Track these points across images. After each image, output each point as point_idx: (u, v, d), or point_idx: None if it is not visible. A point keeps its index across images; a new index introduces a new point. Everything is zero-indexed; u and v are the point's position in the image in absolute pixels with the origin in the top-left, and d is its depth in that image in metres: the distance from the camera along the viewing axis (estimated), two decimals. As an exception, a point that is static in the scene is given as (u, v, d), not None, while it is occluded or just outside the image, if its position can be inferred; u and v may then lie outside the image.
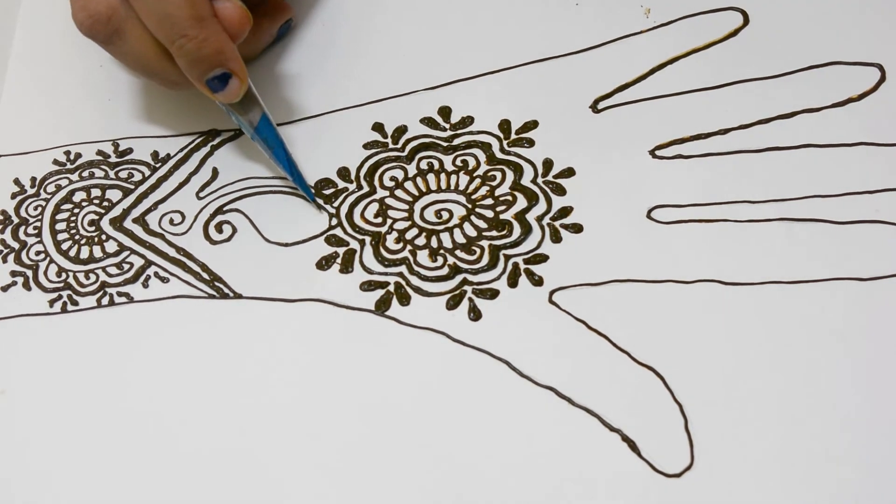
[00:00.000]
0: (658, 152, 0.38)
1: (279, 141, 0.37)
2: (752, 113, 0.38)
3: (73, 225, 0.38)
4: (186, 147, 0.40)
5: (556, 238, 0.36)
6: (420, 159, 0.38)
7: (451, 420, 0.32)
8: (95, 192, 0.39)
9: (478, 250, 0.36)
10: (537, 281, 0.35)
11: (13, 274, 0.37)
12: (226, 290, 0.36)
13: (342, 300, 0.35)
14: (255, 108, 0.37)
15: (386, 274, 0.36)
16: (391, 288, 0.35)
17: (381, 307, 0.35)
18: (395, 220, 0.37)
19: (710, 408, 0.31)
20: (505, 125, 0.39)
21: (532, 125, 0.39)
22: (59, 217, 0.39)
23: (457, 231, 0.36)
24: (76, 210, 0.39)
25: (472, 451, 0.31)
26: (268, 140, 0.37)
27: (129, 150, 0.40)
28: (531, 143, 0.38)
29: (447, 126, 0.39)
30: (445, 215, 0.37)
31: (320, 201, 0.37)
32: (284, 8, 0.42)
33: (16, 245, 0.38)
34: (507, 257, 0.36)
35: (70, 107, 0.42)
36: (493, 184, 0.37)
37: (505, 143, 0.38)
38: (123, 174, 0.39)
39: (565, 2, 0.42)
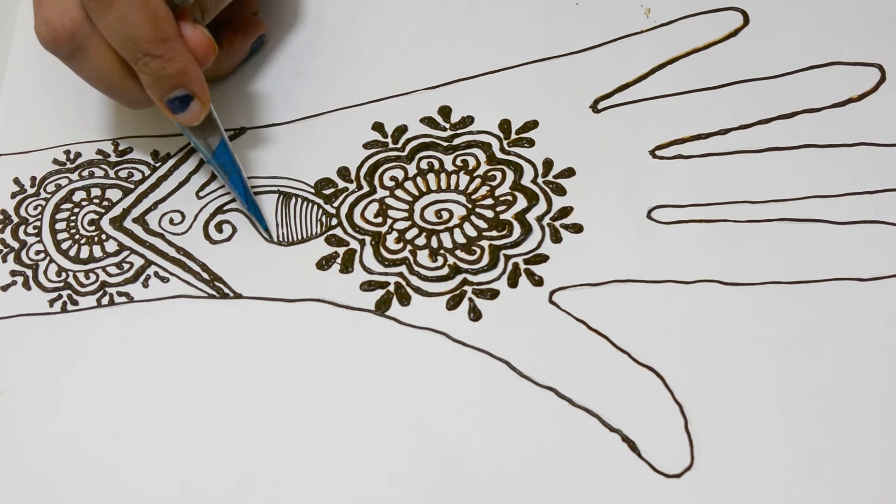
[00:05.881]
0: (658, 152, 0.38)
1: (236, 167, 0.37)
2: (752, 113, 0.38)
3: (72, 224, 0.38)
4: (186, 146, 0.40)
5: (556, 238, 0.36)
6: (420, 159, 0.38)
7: (452, 420, 0.32)
8: (95, 192, 0.39)
9: (478, 250, 0.36)
10: (537, 281, 0.35)
11: (13, 273, 0.37)
12: (226, 290, 0.36)
13: (342, 300, 0.35)
14: (214, 133, 0.36)
15: (386, 274, 0.36)
16: (391, 288, 0.35)
17: (381, 307, 0.35)
18: (395, 220, 0.37)
19: (710, 408, 0.31)
20: (505, 125, 0.39)
21: (532, 125, 0.39)
22: (58, 216, 0.39)
23: (457, 231, 0.36)
24: (76, 209, 0.39)
25: (472, 451, 0.31)
26: (224, 166, 0.37)
27: (129, 150, 0.40)
28: (531, 143, 0.38)
29: (447, 126, 0.39)
30: (445, 215, 0.37)
31: (273, 230, 0.37)
32: (257, 24, 0.41)
33: (15, 244, 0.38)
34: (508, 257, 0.36)
35: (70, 106, 0.42)
36: (494, 184, 0.37)
37: (505, 142, 0.38)
38: (123, 173, 0.39)
39: (565, 1, 0.42)
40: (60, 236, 0.38)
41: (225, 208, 0.38)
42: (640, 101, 0.39)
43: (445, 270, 0.35)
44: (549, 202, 0.37)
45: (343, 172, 0.38)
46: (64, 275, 0.37)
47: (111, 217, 0.38)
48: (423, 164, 0.38)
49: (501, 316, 0.34)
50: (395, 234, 0.37)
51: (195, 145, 0.37)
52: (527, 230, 0.36)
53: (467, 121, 0.39)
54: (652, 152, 0.38)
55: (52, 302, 0.36)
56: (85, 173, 0.40)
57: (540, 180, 0.37)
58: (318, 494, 0.31)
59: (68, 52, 0.34)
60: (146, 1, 0.32)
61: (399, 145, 0.39)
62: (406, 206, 0.37)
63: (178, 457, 0.32)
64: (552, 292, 0.34)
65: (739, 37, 0.40)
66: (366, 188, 0.38)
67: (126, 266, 0.37)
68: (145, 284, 0.36)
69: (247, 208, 0.37)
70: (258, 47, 0.42)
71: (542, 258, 0.35)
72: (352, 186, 0.38)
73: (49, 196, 0.39)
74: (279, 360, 0.34)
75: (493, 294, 0.35)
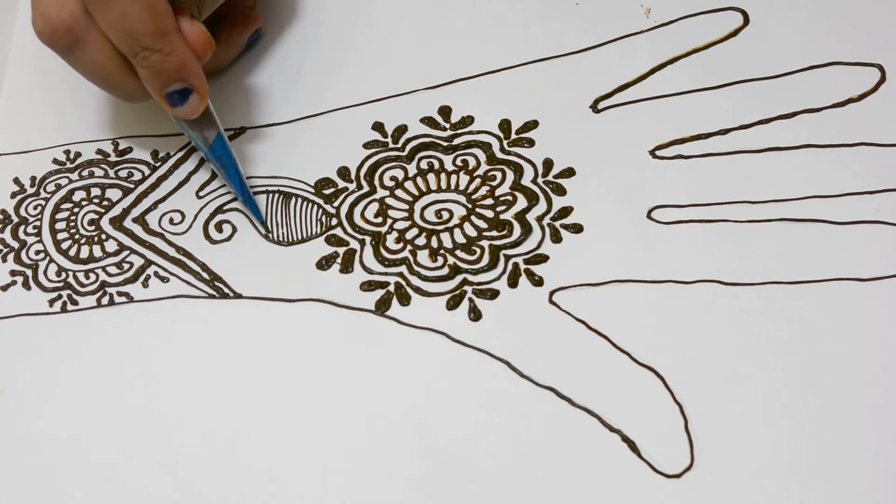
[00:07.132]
0: (658, 152, 0.38)
1: (232, 161, 0.37)
2: (752, 113, 0.38)
3: (72, 224, 0.38)
4: (186, 146, 0.40)
5: (556, 238, 0.36)
6: (420, 159, 0.38)
7: (452, 420, 0.32)
8: (95, 192, 0.39)
9: (478, 250, 0.36)
10: (537, 281, 0.35)
11: (13, 273, 0.37)
12: (226, 290, 0.36)
13: (342, 300, 0.35)
14: (211, 127, 0.36)
15: (386, 274, 0.36)
16: (391, 288, 0.35)
17: (381, 307, 0.35)
18: (395, 220, 0.37)
19: (710, 408, 0.31)
20: (505, 125, 0.39)
21: (532, 125, 0.39)
22: (58, 216, 0.39)
23: (457, 231, 0.36)
24: (76, 209, 0.39)
25: (472, 451, 0.31)
26: (221, 159, 0.37)
27: (129, 150, 0.40)
28: (531, 143, 0.38)
29: (447, 126, 0.39)
30: (445, 215, 0.37)
31: (272, 230, 0.37)
32: (253, 19, 0.41)
33: (15, 244, 0.38)
34: (508, 257, 0.36)
35: (70, 106, 0.42)
36: (494, 184, 0.37)
37: (505, 142, 0.38)
38: (123, 173, 0.39)
39: (565, 1, 0.42)
40: (60, 236, 0.38)
41: (225, 208, 0.38)
42: (640, 101, 0.39)
43: (445, 270, 0.35)
44: (549, 202, 0.37)
45: (343, 172, 0.38)
46: (64, 275, 0.37)
47: (111, 217, 0.38)
48: (423, 164, 0.38)
49: (501, 316, 0.34)
50: (395, 234, 0.37)
51: (192, 139, 0.37)
52: (527, 230, 0.36)
53: (467, 121, 0.39)
54: (652, 152, 0.38)
55: (51, 302, 0.36)
56: (85, 173, 0.40)
57: (540, 180, 0.37)
58: (318, 494, 0.31)
59: (66, 45, 0.34)
60: None
61: (399, 145, 0.39)
62: (406, 206, 0.37)
63: (178, 457, 0.32)
64: (552, 292, 0.34)
65: (739, 37, 0.40)
66: (366, 188, 0.38)
67: (126, 266, 0.37)
68: (145, 284, 0.36)
69: (243, 202, 0.37)
70: (255, 41, 0.42)
71: (542, 258, 0.35)
72: (352, 186, 0.38)
73: (49, 196, 0.39)
74: (279, 361, 0.34)
75: (493, 294, 0.35)
